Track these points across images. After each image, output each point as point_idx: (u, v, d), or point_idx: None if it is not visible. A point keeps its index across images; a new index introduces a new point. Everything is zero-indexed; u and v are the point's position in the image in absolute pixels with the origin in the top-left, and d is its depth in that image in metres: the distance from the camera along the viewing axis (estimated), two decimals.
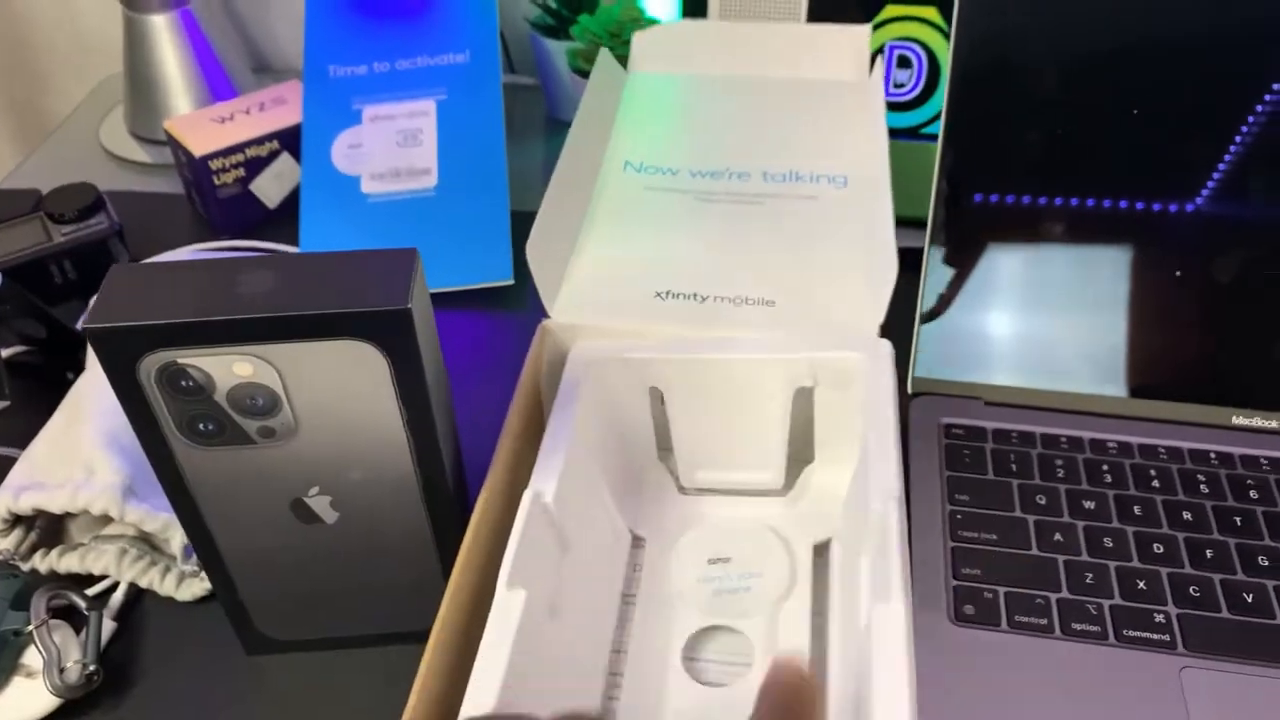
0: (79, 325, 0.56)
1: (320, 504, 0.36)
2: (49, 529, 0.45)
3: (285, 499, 0.36)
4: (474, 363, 0.56)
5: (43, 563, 0.44)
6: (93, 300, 0.31)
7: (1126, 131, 0.48)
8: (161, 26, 0.73)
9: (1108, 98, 0.47)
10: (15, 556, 0.44)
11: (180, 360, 0.31)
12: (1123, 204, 0.48)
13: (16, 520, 0.44)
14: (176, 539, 0.43)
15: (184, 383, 0.32)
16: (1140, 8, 0.46)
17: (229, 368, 0.31)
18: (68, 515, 0.45)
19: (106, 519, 0.44)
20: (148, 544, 0.45)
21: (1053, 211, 0.49)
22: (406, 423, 0.33)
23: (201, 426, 0.33)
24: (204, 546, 0.37)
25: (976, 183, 0.50)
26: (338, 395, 0.32)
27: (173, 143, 0.65)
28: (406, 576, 0.39)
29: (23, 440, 0.48)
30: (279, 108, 0.66)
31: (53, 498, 0.42)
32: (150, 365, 0.31)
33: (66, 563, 0.44)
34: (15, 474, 0.44)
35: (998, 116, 0.49)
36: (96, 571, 0.44)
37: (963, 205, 0.50)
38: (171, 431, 0.33)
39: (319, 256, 0.32)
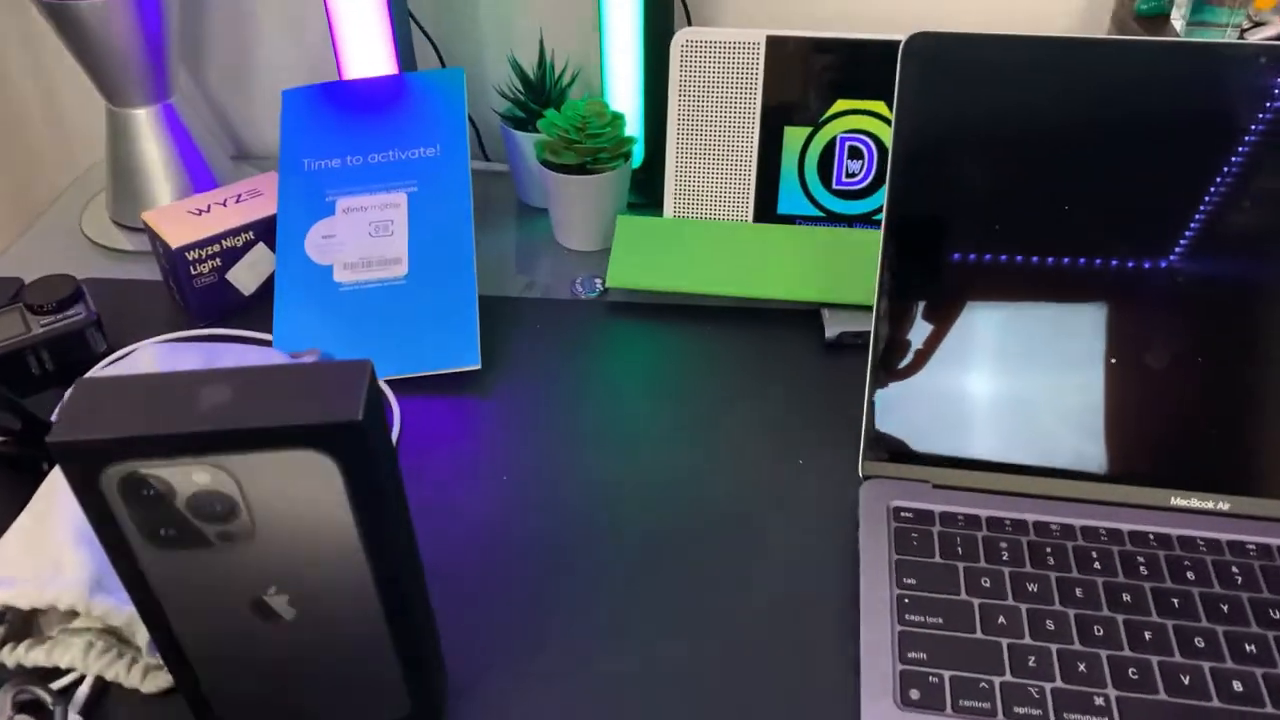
0: (54, 418, 0.57)
1: (279, 602, 0.37)
2: (18, 622, 0.46)
3: (245, 598, 0.37)
4: (439, 446, 0.58)
5: (10, 657, 0.45)
6: (57, 411, 0.33)
7: (1058, 203, 0.50)
8: (144, 120, 0.75)
9: (1040, 165, 0.50)
10: None
11: (142, 470, 0.32)
12: (1055, 263, 0.51)
13: None
14: (142, 632, 0.44)
15: (145, 491, 0.33)
16: (1063, 87, 0.49)
17: (188, 476, 0.33)
18: (36, 609, 0.46)
19: (74, 613, 0.45)
20: (115, 637, 0.46)
21: (991, 278, 0.51)
22: (359, 525, 0.35)
23: (162, 532, 0.34)
24: (166, 642, 0.38)
25: (917, 261, 0.52)
26: (293, 501, 0.34)
27: (150, 234, 0.67)
28: (364, 671, 0.40)
29: None
30: (254, 199, 0.68)
31: (21, 593, 0.43)
32: (112, 476, 0.32)
33: (34, 657, 0.45)
34: None
35: (936, 195, 0.51)
36: (63, 665, 0.45)
37: (905, 286, 0.52)
38: (133, 536, 0.34)
39: (275, 369, 0.34)
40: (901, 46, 0.50)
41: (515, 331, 0.67)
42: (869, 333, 0.62)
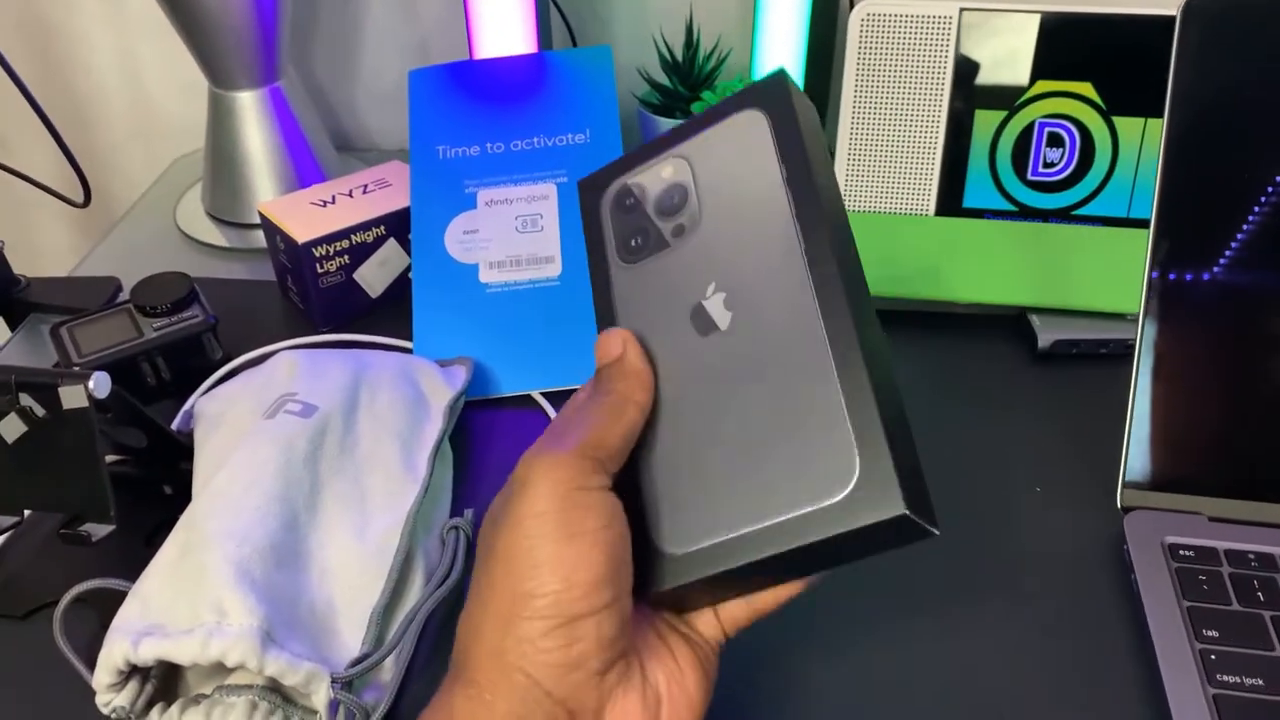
0: (175, 426, 0.50)
1: (716, 305, 0.34)
2: (164, 677, 0.39)
3: (687, 307, 0.35)
4: None
5: (161, 719, 0.38)
6: None
7: None
8: (249, 104, 0.69)
9: None
10: (131, 714, 0.38)
11: (628, 181, 0.38)
12: None
13: (132, 670, 0.38)
14: (321, 692, 0.37)
15: (627, 201, 0.38)
16: None
17: (658, 175, 0.37)
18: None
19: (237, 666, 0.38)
20: (279, 695, 0.39)
21: (1271, 296, 0.44)
22: (786, 180, 0.34)
23: (633, 242, 0.37)
24: None
25: (1192, 270, 0.45)
26: (732, 171, 0.36)
27: (268, 227, 0.60)
28: (806, 407, 0.31)
29: (119, 566, 0.43)
30: (382, 190, 0.62)
31: (180, 647, 0.36)
32: (609, 193, 0.38)
33: None
34: (127, 614, 0.38)
35: (1217, 184, 0.44)
36: None
37: (1176, 297, 0.45)
38: (613, 256, 0.37)
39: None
40: (1180, 10, 0.43)
41: None
42: (1092, 340, 0.56)
